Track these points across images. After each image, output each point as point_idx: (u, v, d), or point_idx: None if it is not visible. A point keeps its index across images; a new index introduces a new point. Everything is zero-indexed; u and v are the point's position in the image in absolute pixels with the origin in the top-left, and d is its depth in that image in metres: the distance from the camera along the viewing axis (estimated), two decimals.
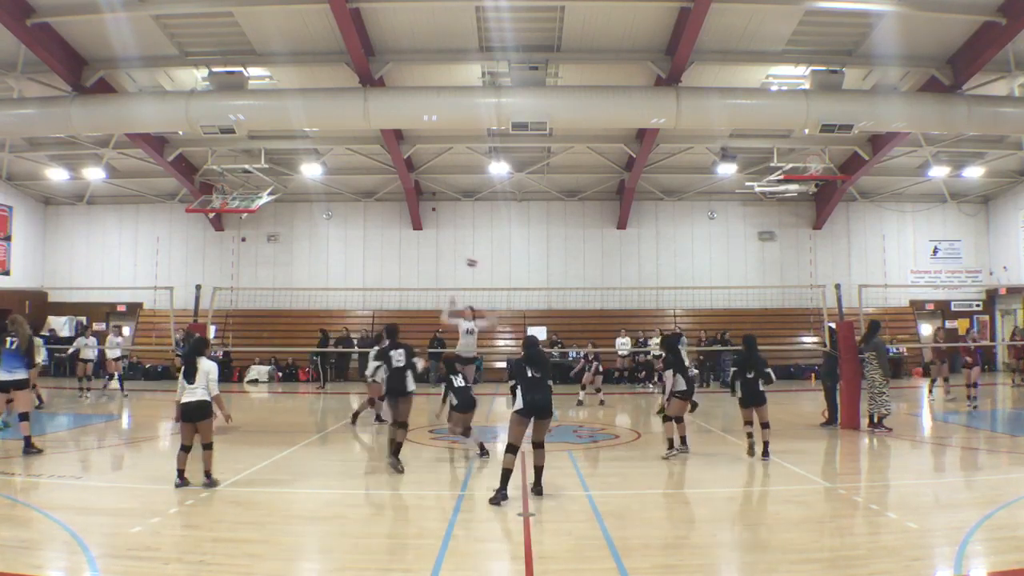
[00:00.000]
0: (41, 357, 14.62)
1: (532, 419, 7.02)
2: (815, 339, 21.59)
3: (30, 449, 9.03)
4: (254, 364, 22.69)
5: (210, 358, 7.74)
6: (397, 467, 8.24)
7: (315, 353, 21.34)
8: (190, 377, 7.43)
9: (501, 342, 23.88)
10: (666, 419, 9.59)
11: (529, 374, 7.06)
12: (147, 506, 6.46)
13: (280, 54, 15.40)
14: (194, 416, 7.40)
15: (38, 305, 23.96)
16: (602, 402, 15.64)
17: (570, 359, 22.01)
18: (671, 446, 9.27)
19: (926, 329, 24.75)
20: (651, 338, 20.59)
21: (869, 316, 13.43)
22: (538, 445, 7.08)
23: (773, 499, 7.27)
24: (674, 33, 14.80)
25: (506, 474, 6.83)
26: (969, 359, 14.55)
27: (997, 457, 9.50)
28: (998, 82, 15.96)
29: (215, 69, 14.88)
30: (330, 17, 13.76)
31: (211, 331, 16.58)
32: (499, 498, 6.72)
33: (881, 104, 14.96)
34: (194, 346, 7.72)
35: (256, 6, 13.98)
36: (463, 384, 9.13)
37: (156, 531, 5.79)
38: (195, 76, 16.07)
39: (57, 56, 14.88)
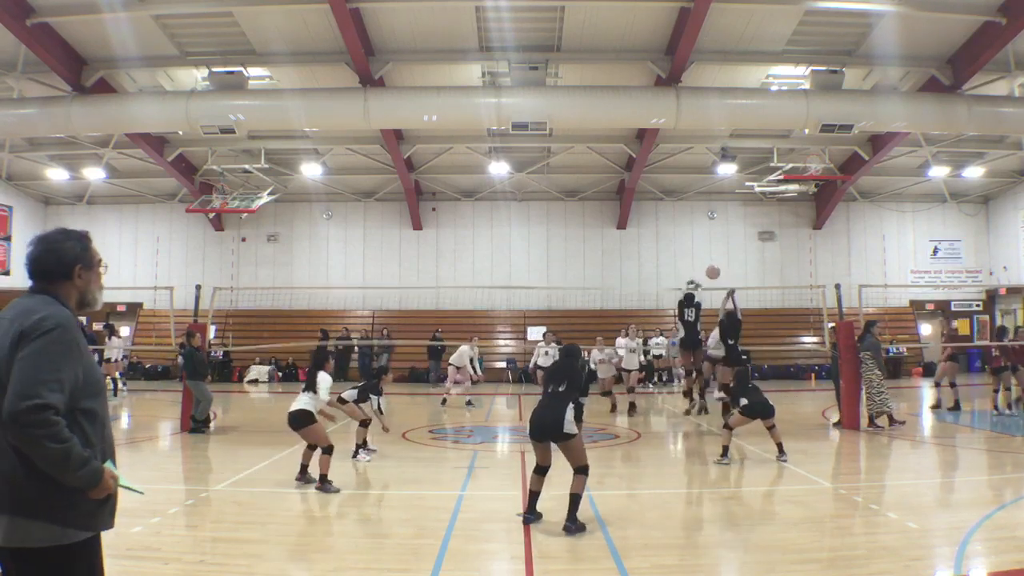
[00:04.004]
0: None
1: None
2: (815, 339, 21.58)
3: None
4: (254, 364, 22.69)
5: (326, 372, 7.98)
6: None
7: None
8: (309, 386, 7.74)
9: (501, 342, 23.89)
10: (726, 425, 9.08)
11: (549, 388, 6.24)
12: (147, 506, 6.44)
13: (280, 54, 15.39)
14: (293, 424, 7.56)
15: None
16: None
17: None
18: (724, 453, 8.78)
19: (926, 329, 24.76)
20: (651, 338, 20.55)
21: (869, 316, 13.42)
22: (578, 471, 5.95)
23: (773, 499, 7.27)
24: (674, 33, 14.79)
25: (530, 496, 6.16)
26: None
27: (997, 457, 9.50)
28: (998, 82, 15.96)
29: (215, 69, 14.87)
30: (330, 17, 13.76)
31: (211, 331, 16.61)
32: (525, 519, 6.09)
33: (881, 104, 14.95)
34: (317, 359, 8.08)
35: (256, 6, 13.98)
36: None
37: (156, 531, 5.78)
38: (195, 76, 16.06)
39: (57, 56, 14.86)
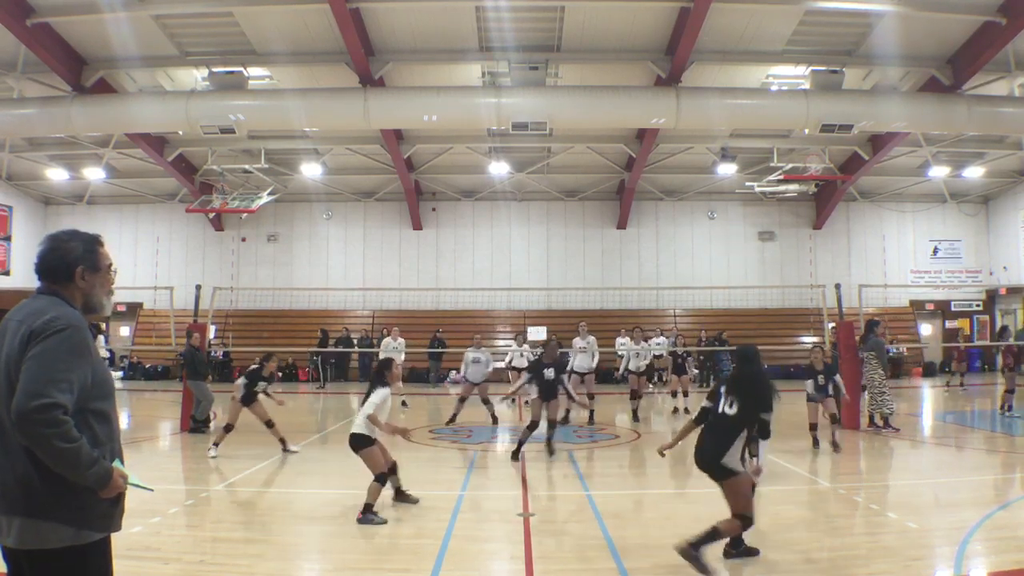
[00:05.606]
0: None
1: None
2: (815, 339, 21.57)
3: None
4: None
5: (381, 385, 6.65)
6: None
7: (315, 353, 21.36)
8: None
9: (501, 341, 23.87)
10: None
11: (720, 407, 5.13)
12: (147, 506, 6.43)
13: (280, 54, 15.39)
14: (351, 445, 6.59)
15: None
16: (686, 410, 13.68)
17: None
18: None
19: (926, 329, 24.76)
20: (651, 338, 20.50)
21: (869, 316, 13.42)
22: (735, 515, 4.84)
23: (773, 499, 7.26)
24: (674, 33, 14.79)
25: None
26: None
27: (997, 457, 9.50)
28: (998, 82, 15.95)
29: (215, 69, 14.87)
30: (330, 17, 13.76)
31: (211, 331, 16.61)
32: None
33: (881, 104, 14.95)
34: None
35: (256, 6, 13.98)
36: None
37: (156, 531, 5.79)
38: (195, 76, 16.05)
39: (57, 56, 14.86)
